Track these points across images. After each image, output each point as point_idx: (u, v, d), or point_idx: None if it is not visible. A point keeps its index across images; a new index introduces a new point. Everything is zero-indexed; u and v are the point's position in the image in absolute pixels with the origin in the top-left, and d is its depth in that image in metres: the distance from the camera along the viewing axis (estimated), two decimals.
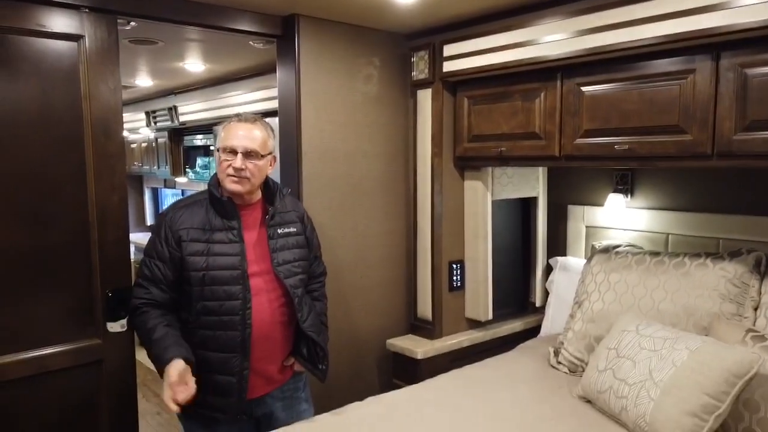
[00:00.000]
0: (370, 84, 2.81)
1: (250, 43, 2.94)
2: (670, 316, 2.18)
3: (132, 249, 3.08)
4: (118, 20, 2.16)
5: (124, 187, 2.21)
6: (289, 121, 2.62)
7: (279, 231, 2.00)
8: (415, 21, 2.66)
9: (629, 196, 2.77)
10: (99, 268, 2.13)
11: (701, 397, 1.73)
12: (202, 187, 5.63)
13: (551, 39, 2.28)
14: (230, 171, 1.86)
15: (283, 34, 2.57)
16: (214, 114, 4.50)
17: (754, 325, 2.04)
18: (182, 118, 4.98)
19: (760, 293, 2.08)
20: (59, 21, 2.02)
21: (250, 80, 4.00)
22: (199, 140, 5.35)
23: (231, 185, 1.88)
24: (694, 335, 1.95)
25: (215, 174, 1.93)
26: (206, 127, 4.99)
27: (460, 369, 2.47)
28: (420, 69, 2.83)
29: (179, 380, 1.72)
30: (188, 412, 1.89)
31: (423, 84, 2.83)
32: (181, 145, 5.50)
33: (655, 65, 2.08)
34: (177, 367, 1.73)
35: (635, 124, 2.12)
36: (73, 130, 2.07)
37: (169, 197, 6.87)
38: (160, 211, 1.91)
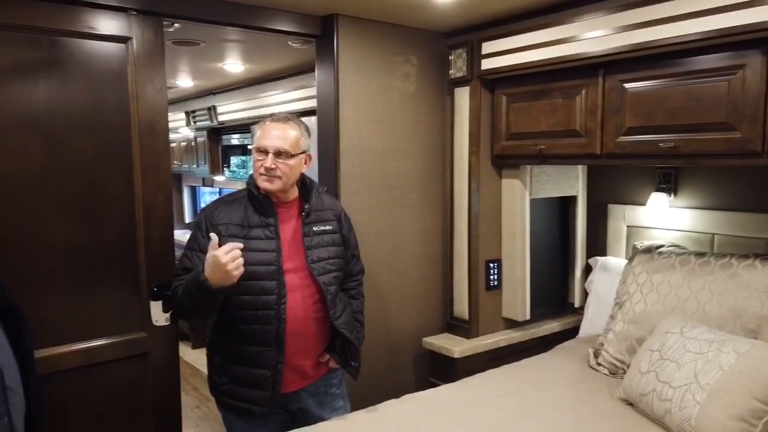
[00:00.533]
0: (408, 82, 2.82)
1: (289, 43, 2.98)
2: (716, 318, 2.12)
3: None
4: (164, 22, 2.22)
5: (168, 186, 2.27)
6: (327, 120, 2.64)
7: (314, 228, 2.03)
8: (453, 19, 2.65)
9: (672, 195, 2.71)
10: (145, 264, 2.20)
11: (750, 401, 1.69)
12: (239, 185, 5.75)
13: (593, 35, 2.25)
14: (262, 170, 1.91)
15: (322, 33, 2.60)
16: (251, 114, 4.57)
17: None
18: (221, 118, 5.08)
19: None
20: (108, 23, 2.08)
21: (288, 80, 4.05)
22: (235, 139, 5.45)
23: (263, 183, 1.92)
24: (741, 338, 1.90)
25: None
26: (243, 127, 5.07)
27: (497, 368, 2.46)
28: (458, 67, 2.82)
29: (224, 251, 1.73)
30: (225, 402, 1.96)
31: (460, 82, 2.82)
32: (219, 144, 5.61)
33: (701, 61, 2.02)
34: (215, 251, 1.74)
35: (681, 122, 2.07)
36: (121, 130, 2.14)
37: (206, 195, 7.01)
38: (201, 208, 1.96)
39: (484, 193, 2.85)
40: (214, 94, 5.05)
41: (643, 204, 2.82)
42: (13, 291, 1.10)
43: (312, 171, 3.37)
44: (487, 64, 2.68)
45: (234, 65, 3.74)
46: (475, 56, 2.73)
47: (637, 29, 2.11)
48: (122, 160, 2.15)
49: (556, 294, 3.15)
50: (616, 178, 2.97)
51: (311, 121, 3.53)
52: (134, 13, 2.12)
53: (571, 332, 3.01)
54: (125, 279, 2.18)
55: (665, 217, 2.73)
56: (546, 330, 3.01)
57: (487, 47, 2.67)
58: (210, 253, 1.74)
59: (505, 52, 2.59)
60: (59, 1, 1.98)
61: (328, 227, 2.07)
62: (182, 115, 5.69)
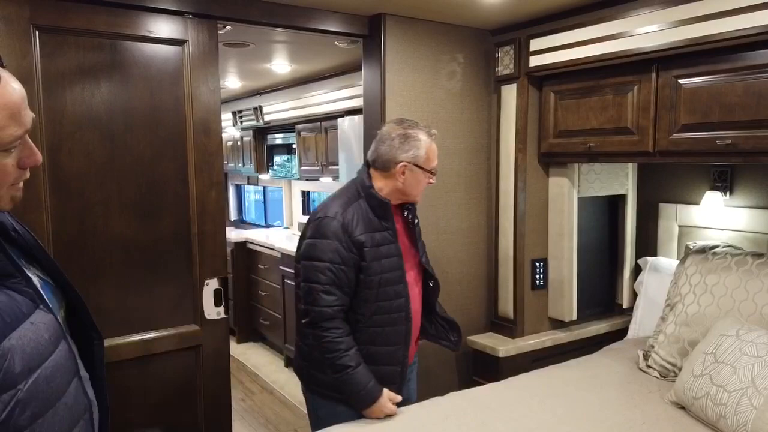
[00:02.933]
0: (454, 80, 2.82)
1: (336, 43, 3.02)
2: None
3: None
4: (218, 24, 2.29)
5: (220, 183, 2.34)
6: (373, 118, 2.67)
7: (416, 227, 2.12)
8: (500, 16, 2.64)
9: (728, 194, 2.62)
10: (198, 259, 2.27)
11: None
12: (282, 184, 5.87)
13: (646, 30, 2.20)
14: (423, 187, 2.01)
15: (369, 33, 2.63)
16: (297, 113, 4.65)
17: None
18: (267, 118, 5.18)
19: None
20: (166, 27, 2.16)
21: (333, 79, 4.10)
22: (279, 139, 5.55)
23: (419, 198, 2.05)
24: None
25: (365, 172, 1.99)
26: (287, 126, 5.16)
27: (543, 369, 2.43)
28: (505, 64, 2.80)
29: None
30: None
31: (507, 79, 2.80)
32: (264, 144, 5.73)
33: (761, 55, 1.96)
34: (388, 398, 1.93)
35: (740, 118, 2.01)
36: (177, 130, 2.22)
37: (251, 193, 7.17)
38: (318, 212, 1.95)
39: (531, 192, 2.82)
40: (260, 94, 5.15)
41: (696, 203, 2.74)
42: (77, 283, 1.15)
43: (348, 169, 3.41)
44: (534, 61, 2.66)
45: (281, 65, 3.81)
46: (522, 53, 2.71)
47: (693, 24, 2.06)
48: (178, 159, 2.23)
49: (603, 295, 3.09)
50: (668, 177, 2.90)
51: (358, 120, 3.57)
52: (190, 16, 2.20)
53: (619, 334, 2.95)
54: (180, 273, 2.26)
55: (720, 216, 2.65)
56: (593, 331, 2.96)
57: (535, 44, 2.65)
58: (387, 406, 1.90)
59: (554, 49, 2.56)
60: (121, 6, 2.07)
61: (417, 221, 2.14)
62: (229, 115, 5.83)
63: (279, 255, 4.60)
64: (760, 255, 2.26)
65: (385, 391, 1.92)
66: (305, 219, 5.13)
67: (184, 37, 2.19)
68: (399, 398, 1.96)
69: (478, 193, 2.97)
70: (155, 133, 2.18)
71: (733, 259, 2.30)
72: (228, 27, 2.48)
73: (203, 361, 2.32)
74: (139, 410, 2.20)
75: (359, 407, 1.90)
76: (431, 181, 2.00)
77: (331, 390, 1.95)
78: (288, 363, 4.63)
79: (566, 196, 2.79)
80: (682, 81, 2.18)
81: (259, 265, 5.04)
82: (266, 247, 4.89)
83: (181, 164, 2.24)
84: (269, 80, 4.53)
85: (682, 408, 2.01)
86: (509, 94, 2.81)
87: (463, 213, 2.93)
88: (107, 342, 2.03)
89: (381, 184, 1.97)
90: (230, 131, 6.09)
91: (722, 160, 2.27)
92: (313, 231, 1.92)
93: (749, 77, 1.99)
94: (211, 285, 2.28)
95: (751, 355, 1.85)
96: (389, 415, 1.93)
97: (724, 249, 2.43)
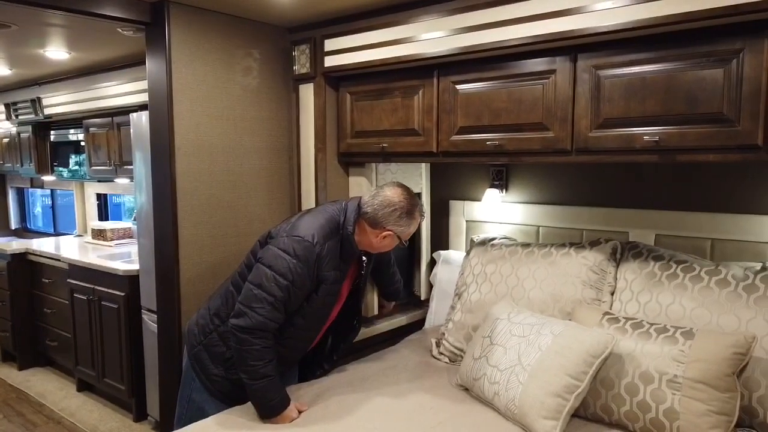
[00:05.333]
0: (250, 77, 2.72)
1: (119, 30, 2.74)
2: (539, 303, 2.30)
3: None
4: None
5: None
6: (159, 113, 2.47)
7: (368, 266, 2.32)
8: (295, 13, 2.61)
9: (504, 191, 2.91)
10: None
11: (563, 378, 1.84)
12: (74, 186, 5.22)
13: (429, 37, 2.33)
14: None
15: (152, 21, 2.42)
16: (83, 107, 4.17)
17: (610, 308, 2.20)
18: (47, 111, 4.57)
19: (616, 279, 2.25)
20: None
21: (125, 70, 3.74)
22: (65, 135, 4.93)
23: (385, 250, 2.18)
24: (558, 320, 2.08)
25: (354, 217, 2.07)
26: (74, 122, 4.61)
27: (344, 366, 2.46)
28: (301, 63, 2.78)
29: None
30: None
31: (305, 78, 2.79)
32: (47, 141, 5.04)
33: (522, 65, 2.18)
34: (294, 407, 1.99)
35: (505, 122, 2.22)
36: None
37: (38, 198, 6.29)
38: (300, 230, 1.98)
39: (332, 191, 2.84)
40: (39, 84, 4.52)
41: (479, 200, 3.00)
42: None
43: (146, 169, 3.14)
44: (330, 62, 2.68)
45: (57, 52, 3.38)
46: (318, 53, 2.71)
47: (466, 33, 2.22)
48: None
49: (404, 288, 3.23)
50: (456, 176, 3.13)
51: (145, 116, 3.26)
52: None
53: (419, 324, 3.11)
54: None
55: (498, 211, 2.93)
56: (395, 323, 3.08)
57: (330, 44, 2.67)
58: (293, 414, 1.95)
59: (348, 50, 2.61)
60: None
61: (366, 261, 2.26)
62: (1, 108, 5.03)
63: (66, 267, 4.07)
64: (528, 245, 2.53)
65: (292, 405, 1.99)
66: (102, 225, 4.62)
67: None
68: (305, 407, 2.01)
69: (281, 193, 2.92)
70: None
71: (507, 250, 2.55)
72: None
73: None
74: None
75: (267, 414, 1.93)
76: (401, 245, 2.15)
77: (216, 384, 2.12)
78: (81, 387, 4.13)
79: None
80: (459, 87, 2.35)
81: (44, 279, 4.41)
82: (51, 258, 4.30)
83: None
84: (47, 69, 3.99)
85: (466, 390, 2.16)
86: (307, 93, 2.80)
87: (266, 214, 2.85)
88: None
89: (360, 233, 2.09)
90: (4, 126, 5.27)
91: (493, 160, 2.49)
92: (287, 246, 1.97)
93: (511, 85, 2.20)
94: None
95: (519, 336, 2.04)
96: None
97: (501, 241, 2.68)
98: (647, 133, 1.89)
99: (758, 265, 1.99)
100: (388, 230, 2.06)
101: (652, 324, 1.93)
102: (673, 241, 2.36)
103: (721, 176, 2.26)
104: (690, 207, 2.33)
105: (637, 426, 1.81)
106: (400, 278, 2.63)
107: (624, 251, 2.30)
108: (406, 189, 2.11)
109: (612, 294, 2.24)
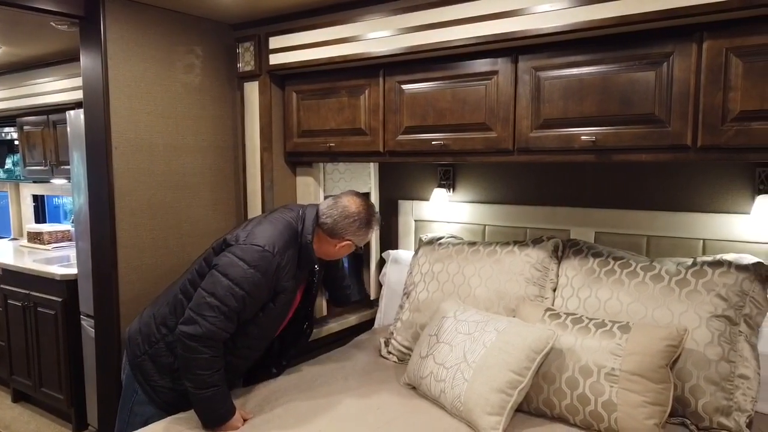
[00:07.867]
0: (192, 74, 2.65)
1: (52, 24, 2.62)
2: (484, 300, 2.33)
3: None
4: None
5: None
6: (95, 110, 2.38)
7: (319, 274, 2.32)
8: (239, 11, 2.56)
9: (452, 190, 2.93)
10: None
11: (507, 373, 1.87)
12: (8, 188, 4.97)
13: (374, 36, 2.32)
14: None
15: (86, 14, 2.33)
16: (16, 104, 3.97)
17: (552, 304, 2.25)
18: None
19: (558, 275, 2.31)
20: None
21: (61, 66, 3.60)
22: (4, 134, 4.69)
23: (339, 257, 2.22)
24: (502, 317, 2.11)
25: (313, 226, 2.05)
26: (7, 119, 4.38)
27: (293, 366, 2.43)
28: (246, 61, 2.73)
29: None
30: None
31: (250, 76, 2.74)
32: None
33: (466, 66, 2.20)
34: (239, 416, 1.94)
35: (449, 122, 2.24)
36: None
37: None
38: (257, 237, 1.92)
39: (279, 191, 2.80)
40: None
41: (427, 199, 3.02)
42: None
43: (84, 170, 3.02)
44: (275, 60, 2.64)
45: None
46: (263, 51, 2.67)
47: (411, 32, 2.23)
48: None
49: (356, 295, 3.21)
50: (404, 176, 3.14)
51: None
52: None
53: (368, 324, 3.10)
54: None
55: (446, 210, 2.95)
56: (345, 324, 3.06)
57: (275, 42, 2.63)
58: (238, 424, 1.90)
59: (293, 48, 2.57)
60: None
61: (318, 268, 2.24)
62: None
63: (0, 272, 3.87)
64: (473, 243, 2.56)
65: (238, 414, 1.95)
66: (38, 228, 4.41)
67: None
68: (250, 415, 1.97)
69: (225, 193, 2.85)
70: None
71: (454, 248, 2.57)
72: None
73: None
74: None
75: (212, 423, 1.88)
76: (354, 249, 2.16)
77: (162, 395, 2.06)
78: (17, 398, 3.93)
79: (312, 195, 2.84)
80: (404, 86, 2.36)
81: None
82: None
83: None
84: None
85: (414, 388, 2.17)
86: (252, 91, 2.75)
87: (210, 214, 2.79)
88: None
89: (317, 242, 2.08)
90: None
91: (439, 160, 2.51)
92: (245, 254, 1.91)
93: (455, 85, 2.22)
94: None
95: (464, 333, 2.06)
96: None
97: (448, 239, 2.71)
98: (585, 133, 1.94)
99: (690, 261, 2.08)
100: (347, 240, 2.09)
101: (591, 319, 1.99)
102: (612, 238, 2.43)
103: (657, 175, 2.35)
104: (628, 205, 2.41)
105: (578, 419, 1.85)
106: (350, 283, 2.62)
107: (565, 249, 2.36)
108: (364, 198, 2.13)
109: (554, 290, 2.29)
